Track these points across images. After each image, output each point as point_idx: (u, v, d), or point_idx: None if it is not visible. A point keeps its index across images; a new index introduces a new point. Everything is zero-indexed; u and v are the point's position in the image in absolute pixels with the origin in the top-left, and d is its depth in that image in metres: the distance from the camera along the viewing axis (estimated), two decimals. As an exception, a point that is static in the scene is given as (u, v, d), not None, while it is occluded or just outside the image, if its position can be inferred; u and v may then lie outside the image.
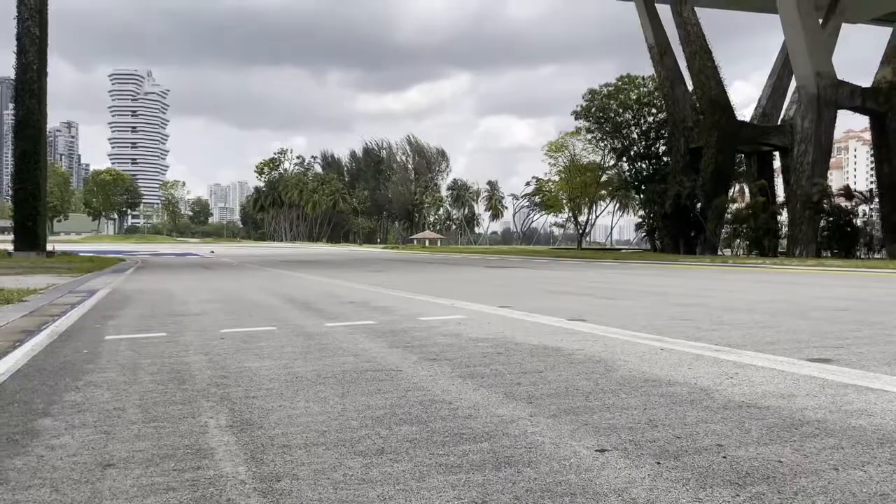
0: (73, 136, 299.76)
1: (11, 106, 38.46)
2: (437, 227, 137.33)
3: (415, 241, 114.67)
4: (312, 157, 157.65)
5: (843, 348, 5.90)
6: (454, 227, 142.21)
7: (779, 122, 48.54)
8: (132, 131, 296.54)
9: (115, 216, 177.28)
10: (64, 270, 21.42)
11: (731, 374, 4.75)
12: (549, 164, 73.26)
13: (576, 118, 62.16)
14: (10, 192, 47.22)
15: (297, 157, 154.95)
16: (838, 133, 58.10)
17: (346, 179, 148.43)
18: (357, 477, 2.73)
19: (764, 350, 5.78)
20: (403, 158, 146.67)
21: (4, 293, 11.55)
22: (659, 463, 2.88)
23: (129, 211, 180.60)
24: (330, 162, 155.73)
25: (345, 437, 3.31)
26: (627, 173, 62.79)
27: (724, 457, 2.95)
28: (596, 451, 3.05)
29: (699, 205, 46.44)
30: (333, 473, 2.78)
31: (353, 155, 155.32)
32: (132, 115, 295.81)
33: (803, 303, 10.84)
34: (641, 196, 59.92)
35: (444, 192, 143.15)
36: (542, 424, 3.50)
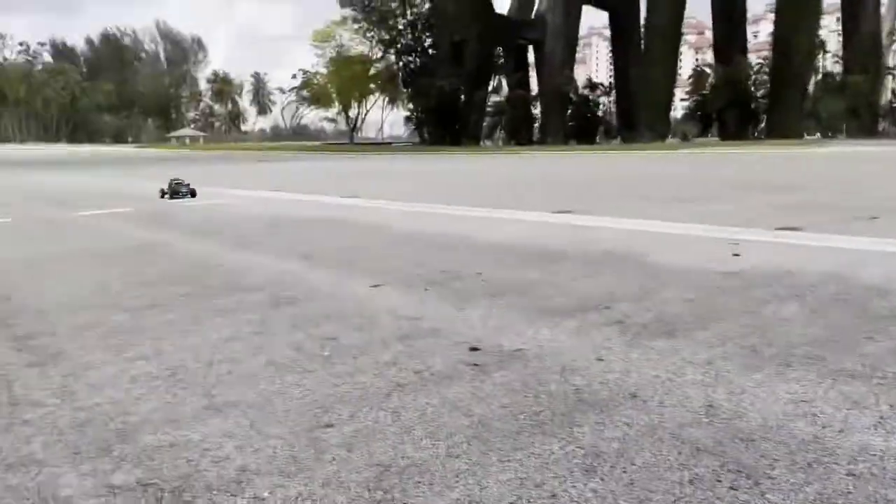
0: None
1: None
2: (199, 124, 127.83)
3: (173, 140, 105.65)
4: (39, 43, 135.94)
5: (577, 205, 6.72)
6: (218, 123, 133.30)
7: (532, 17, 51.30)
8: None
9: None
10: None
11: (487, 226, 5.21)
12: (316, 55, 70.88)
13: (341, 6, 60.29)
14: None
15: (21, 45, 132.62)
16: (584, 30, 63.03)
17: (84, 71, 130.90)
18: (125, 327, 2.63)
19: (513, 208, 6.38)
20: (153, 47, 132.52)
21: None
22: (426, 289, 3.13)
23: None
24: (62, 50, 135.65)
25: (107, 300, 3.13)
26: (396, 66, 62.93)
27: (483, 280, 3.29)
28: (370, 286, 3.22)
29: (462, 98, 48.29)
30: (98, 328, 2.64)
31: (90, 43, 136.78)
32: None
33: (547, 176, 12.02)
34: (409, 90, 60.71)
35: (203, 86, 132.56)
36: (318, 273, 3.59)
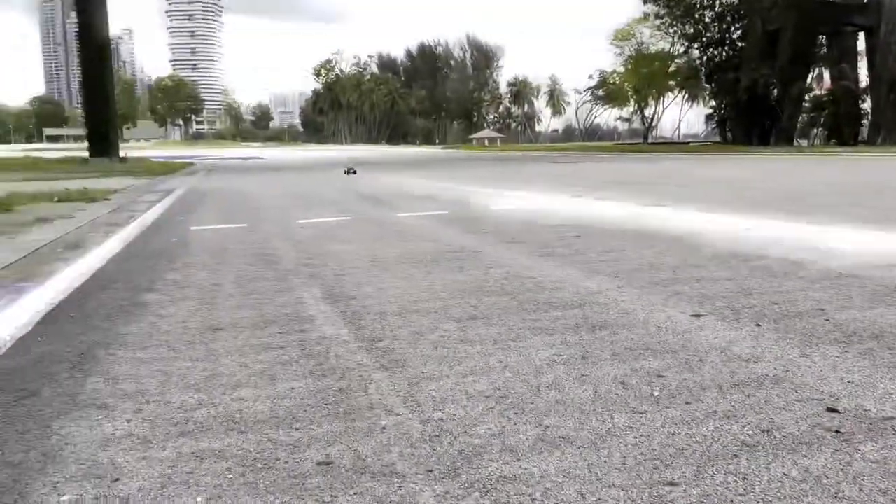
0: (133, 43, 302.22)
1: (73, 14, 38.71)
2: (497, 126, 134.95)
3: (474, 141, 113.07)
4: (369, 56, 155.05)
5: (942, 225, 5.63)
6: (514, 125, 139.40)
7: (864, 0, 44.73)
8: (190, 36, 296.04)
9: (181, 122, 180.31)
10: (139, 174, 22.14)
11: (824, 249, 4.60)
12: (615, 54, 70.08)
13: (644, 2, 58.76)
14: (81, 101, 48.34)
15: (354, 57, 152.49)
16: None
17: (403, 79, 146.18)
18: (454, 338, 2.80)
19: (856, 226, 5.55)
20: (461, 54, 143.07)
21: (89, 192, 12.05)
22: (759, 325, 2.84)
23: (193, 117, 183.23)
24: (386, 61, 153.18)
25: (435, 306, 3.37)
26: (698, 61, 59.62)
27: (827, 319, 2.89)
28: (691, 315, 3.02)
29: (775, 92, 44.00)
30: (431, 335, 2.85)
31: (408, 53, 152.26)
32: (189, 19, 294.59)
33: (888, 184, 10.33)
34: (713, 85, 57.05)
35: (503, 89, 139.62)
36: (631, 295, 3.48)
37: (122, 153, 38.63)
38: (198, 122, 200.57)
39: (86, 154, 36.94)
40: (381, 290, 3.76)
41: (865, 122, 45.01)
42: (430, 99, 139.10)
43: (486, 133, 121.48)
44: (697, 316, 3.01)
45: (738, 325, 2.84)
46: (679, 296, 3.41)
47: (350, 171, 19.06)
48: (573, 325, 2.92)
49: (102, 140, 35.55)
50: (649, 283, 3.75)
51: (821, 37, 48.18)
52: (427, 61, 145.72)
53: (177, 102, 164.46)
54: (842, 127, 42.55)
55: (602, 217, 7.15)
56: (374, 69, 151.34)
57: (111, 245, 5.87)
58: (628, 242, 5.28)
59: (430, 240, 5.85)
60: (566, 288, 3.68)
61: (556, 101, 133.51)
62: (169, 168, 27.67)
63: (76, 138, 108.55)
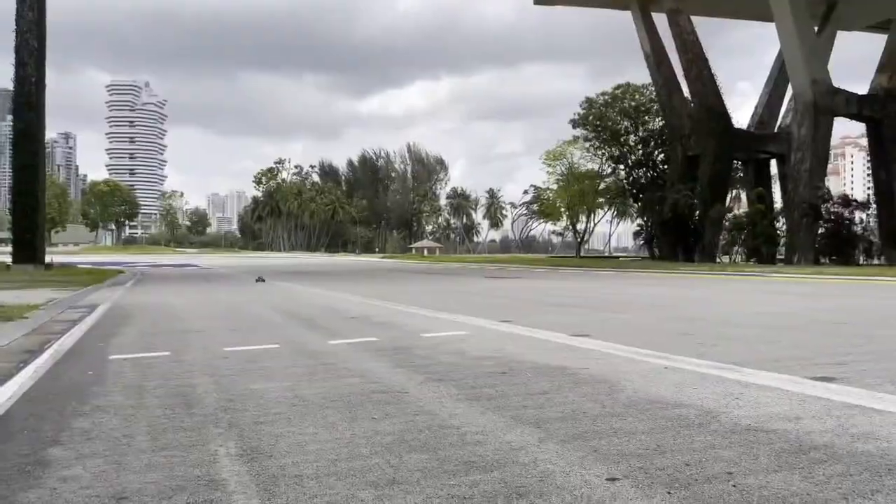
0: (70, 147, 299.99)
1: (9, 118, 38.51)
2: (436, 236, 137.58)
3: (413, 250, 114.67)
4: (311, 165, 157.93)
5: (845, 365, 5.94)
6: (453, 235, 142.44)
7: (776, 130, 48.74)
8: (130, 142, 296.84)
9: (113, 227, 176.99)
10: (63, 284, 21.41)
11: (736, 395, 4.78)
12: (548, 172, 73.33)
13: (573, 126, 62.38)
14: (9, 205, 47.23)
15: (295, 167, 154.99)
16: (835, 139, 58.25)
17: (344, 188, 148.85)
18: (370, 510, 2.75)
19: (768, 368, 5.80)
20: (402, 167, 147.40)
21: (5, 310, 11.55)
22: (670, 493, 2.89)
23: (126, 221, 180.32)
24: (328, 171, 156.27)
25: (355, 465, 3.32)
26: (625, 181, 62.99)
27: (734, 485, 2.97)
28: (606, 479, 3.07)
29: (697, 212, 46.56)
30: (347, 507, 2.79)
31: (350, 164, 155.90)
32: (130, 126, 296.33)
33: (804, 315, 10.89)
34: (639, 203, 60.09)
35: (443, 201, 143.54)
36: (551, 450, 3.51)
37: (48, 258, 37.46)
38: (132, 227, 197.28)
39: (9, 259, 35.65)
40: (300, 446, 3.68)
41: (783, 241, 47.86)
42: (371, 208, 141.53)
43: (425, 243, 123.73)
44: (612, 480, 3.06)
45: (649, 492, 2.89)
46: (597, 453, 3.46)
47: (258, 279, 23.63)
48: (489, 493, 2.91)
49: (27, 246, 34.52)
50: (571, 437, 3.80)
51: (737, 162, 51.85)
52: (369, 171, 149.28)
53: (110, 207, 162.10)
54: (759, 246, 45.11)
55: (530, 349, 7.26)
56: (316, 178, 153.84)
57: (21, 382, 5.59)
58: (552, 384, 5.36)
59: (355, 375, 5.79)
60: (487, 442, 3.68)
61: (493, 213, 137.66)
62: (95, 277, 26.87)
63: (1, 241, 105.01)
